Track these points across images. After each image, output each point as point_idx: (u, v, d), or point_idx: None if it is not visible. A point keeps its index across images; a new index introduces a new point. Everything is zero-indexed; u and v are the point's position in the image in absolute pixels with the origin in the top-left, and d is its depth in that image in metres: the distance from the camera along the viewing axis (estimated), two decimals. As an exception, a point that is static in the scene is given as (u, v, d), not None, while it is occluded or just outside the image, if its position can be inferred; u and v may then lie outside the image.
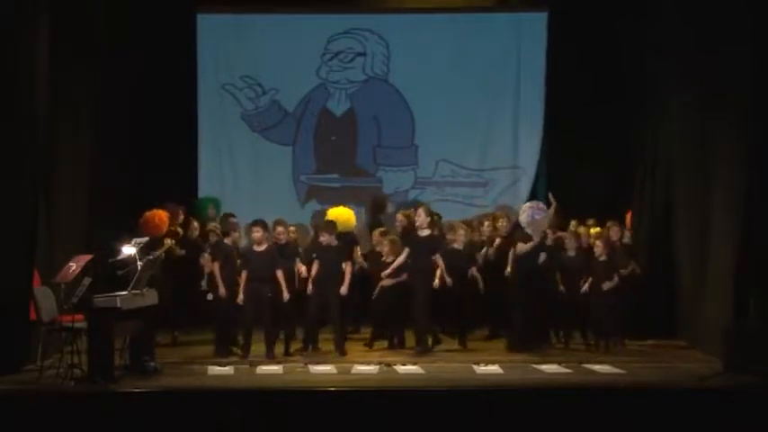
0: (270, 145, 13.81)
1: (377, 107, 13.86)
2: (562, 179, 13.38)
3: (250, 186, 13.58)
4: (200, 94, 13.58)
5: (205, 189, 13.36)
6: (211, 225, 11.21)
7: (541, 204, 11.00)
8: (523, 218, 10.65)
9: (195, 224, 11.50)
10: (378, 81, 13.88)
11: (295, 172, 13.82)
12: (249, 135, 13.79)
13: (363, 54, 13.83)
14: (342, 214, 11.52)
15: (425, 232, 10.67)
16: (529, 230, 10.57)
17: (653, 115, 12.13)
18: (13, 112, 9.37)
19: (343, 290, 10.40)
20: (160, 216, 10.96)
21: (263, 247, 10.36)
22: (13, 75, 9.38)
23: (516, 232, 10.83)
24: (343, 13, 13.79)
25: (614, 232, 11.13)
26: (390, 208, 13.37)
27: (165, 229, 10.93)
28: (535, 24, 13.64)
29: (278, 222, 10.78)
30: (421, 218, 10.67)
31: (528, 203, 11.05)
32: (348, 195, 13.32)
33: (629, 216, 11.99)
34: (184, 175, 13.21)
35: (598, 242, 10.86)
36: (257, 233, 10.37)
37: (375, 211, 13.13)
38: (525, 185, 13.67)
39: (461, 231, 11.00)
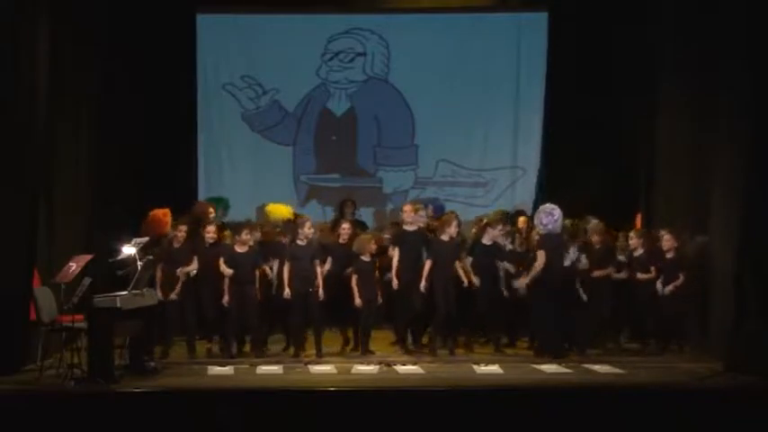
0: (270, 145, 13.83)
1: (377, 107, 13.88)
2: (562, 179, 13.40)
3: (250, 186, 13.57)
4: (200, 94, 13.58)
5: (205, 189, 13.37)
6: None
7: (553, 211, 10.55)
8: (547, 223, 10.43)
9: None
10: (378, 81, 13.89)
11: (295, 172, 13.83)
12: (249, 135, 13.80)
13: (363, 54, 13.84)
14: (278, 210, 11.51)
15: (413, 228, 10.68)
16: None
17: (652, 115, 12.13)
18: (13, 112, 9.36)
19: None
20: (165, 213, 10.92)
21: (245, 249, 10.35)
22: (12, 75, 9.37)
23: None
24: (343, 13, 13.80)
25: (594, 237, 10.94)
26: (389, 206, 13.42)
27: (167, 228, 10.84)
28: (535, 24, 13.65)
29: (306, 218, 10.77)
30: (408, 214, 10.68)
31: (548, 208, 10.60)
32: (348, 195, 13.31)
33: (638, 219, 11.96)
34: (184, 175, 13.21)
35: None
36: (247, 235, 10.36)
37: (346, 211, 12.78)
38: (525, 185, 13.68)
39: (453, 224, 10.63)
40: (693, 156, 10.89)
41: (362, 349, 10.41)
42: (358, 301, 10.36)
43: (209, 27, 13.64)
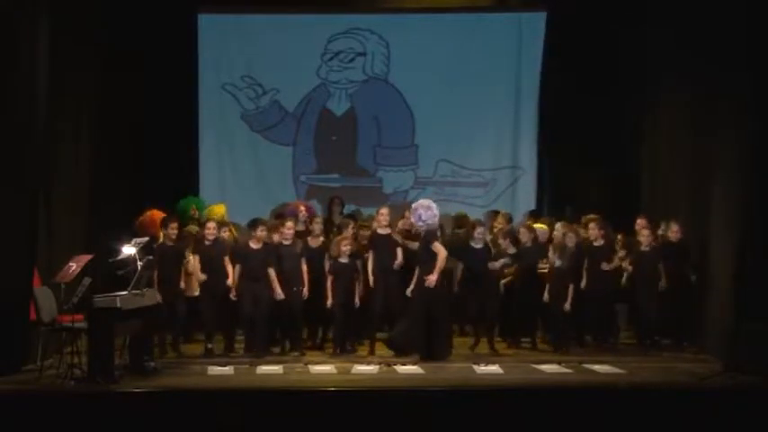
0: (270, 145, 13.82)
1: (377, 107, 13.87)
2: (561, 179, 13.42)
3: (250, 186, 13.58)
4: (201, 94, 13.58)
5: (205, 189, 13.35)
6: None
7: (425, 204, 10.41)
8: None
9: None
10: (378, 81, 13.88)
11: (295, 172, 13.82)
12: (249, 135, 13.79)
13: (363, 54, 13.84)
14: (213, 211, 11.59)
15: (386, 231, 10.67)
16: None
17: (652, 115, 12.14)
18: (13, 112, 9.36)
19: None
20: (160, 214, 10.94)
21: (259, 246, 10.37)
22: (12, 75, 9.37)
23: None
24: (343, 13, 13.79)
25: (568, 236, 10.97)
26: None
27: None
28: (534, 24, 13.65)
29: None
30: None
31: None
32: (348, 195, 13.32)
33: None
34: (185, 175, 13.18)
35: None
36: (262, 232, 10.41)
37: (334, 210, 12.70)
38: (525, 185, 13.68)
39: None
40: (693, 155, 10.89)
41: (339, 350, 10.44)
42: (330, 302, 10.36)
43: (210, 27, 13.63)
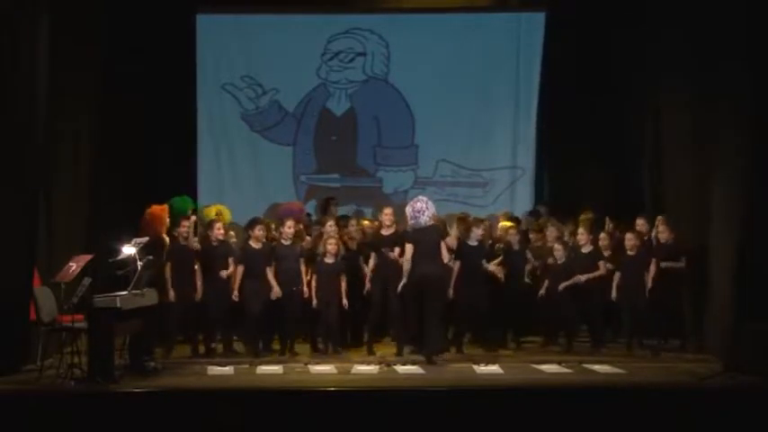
0: (270, 145, 13.85)
1: (377, 107, 13.89)
2: (561, 179, 13.43)
3: (250, 186, 13.61)
4: (200, 94, 13.61)
5: (205, 189, 13.39)
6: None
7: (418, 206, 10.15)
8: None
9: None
10: (378, 81, 13.90)
11: (295, 172, 13.85)
12: (249, 135, 13.82)
13: (363, 54, 13.86)
14: (207, 211, 11.62)
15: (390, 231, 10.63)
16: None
17: (652, 115, 12.13)
18: (13, 111, 9.36)
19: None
20: (163, 209, 10.91)
21: (259, 245, 10.42)
22: (12, 75, 9.37)
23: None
24: (343, 13, 13.83)
25: (551, 232, 11.09)
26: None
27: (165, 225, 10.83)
28: (534, 24, 13.68)
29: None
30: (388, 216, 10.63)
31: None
32: (348, 195, 13.34)
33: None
34: (184, 175, 13.19)
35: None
36: (260, 231, 10.44)
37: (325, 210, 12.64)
38: (524, 185, 13.69)
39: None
40: (693, 155, 10.89)
41: (331, 350, 10.40)
42: (314, 302, 10.35)
43: (209, 27, 13.66)
